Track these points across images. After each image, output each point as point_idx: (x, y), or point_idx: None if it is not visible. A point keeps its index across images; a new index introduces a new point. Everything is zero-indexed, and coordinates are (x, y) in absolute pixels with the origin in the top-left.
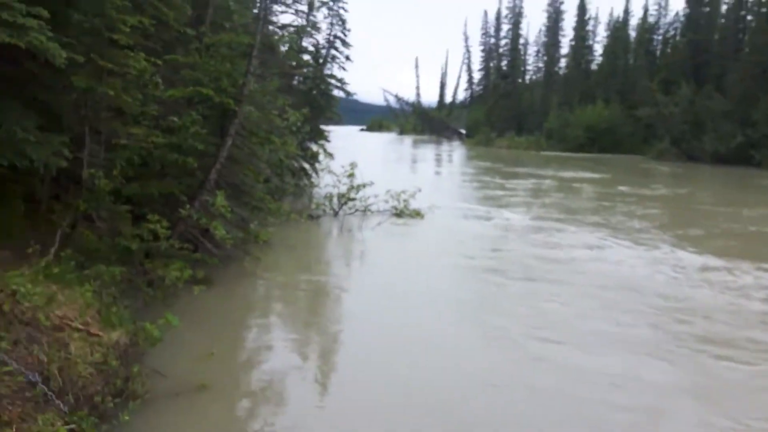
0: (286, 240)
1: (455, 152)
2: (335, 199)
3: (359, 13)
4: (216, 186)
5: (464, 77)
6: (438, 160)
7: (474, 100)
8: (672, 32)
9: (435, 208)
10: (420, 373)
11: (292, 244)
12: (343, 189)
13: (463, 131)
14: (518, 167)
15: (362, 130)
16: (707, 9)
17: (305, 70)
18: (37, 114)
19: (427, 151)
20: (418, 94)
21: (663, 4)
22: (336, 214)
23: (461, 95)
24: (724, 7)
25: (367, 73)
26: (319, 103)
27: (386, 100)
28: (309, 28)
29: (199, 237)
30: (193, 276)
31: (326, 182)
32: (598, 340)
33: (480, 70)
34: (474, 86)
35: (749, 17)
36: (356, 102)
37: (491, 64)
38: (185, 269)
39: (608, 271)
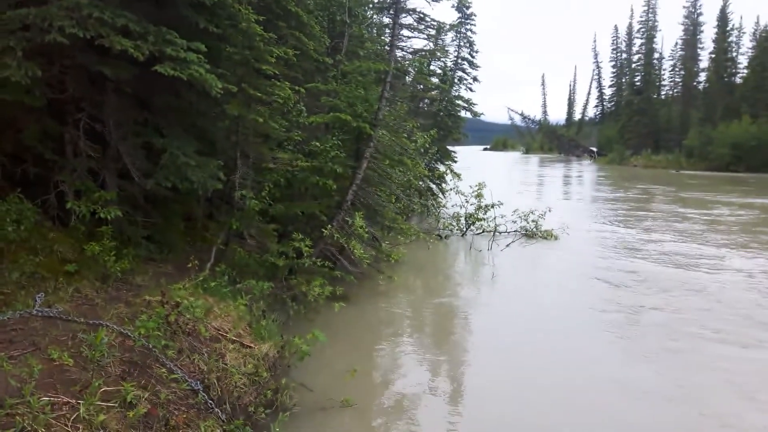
0: (415, 259)
1: (586, 171)
2: (463, 219)
3: (484, 30)
4: (352, 206)
5: (594, 94)
6: (567, 180)
7: (605, 117)
8: None
9: (568, 230)
10: (550, 399)
11: (421, 264)
12: (471, 209)
13: (594, 149)
14: (657, 186)
15: (485, 149)
16: None
17: (433, 93)
18: (196, 140)
19: (556, 171)
20: (544, 112)
21: None
22: (464, 234)
23: (591, 112)
24: None
25: (491, 91)
26: (446, 124)
27: (511, 118)
28: (437, 52)
29: (337, 255)
30: (332, 293)
31: (453, 202)
32: None
33: (611, 86)
34: (605, 103)
35: None
36: (479, 121)
37: (623, 80)
38: (326, 286)
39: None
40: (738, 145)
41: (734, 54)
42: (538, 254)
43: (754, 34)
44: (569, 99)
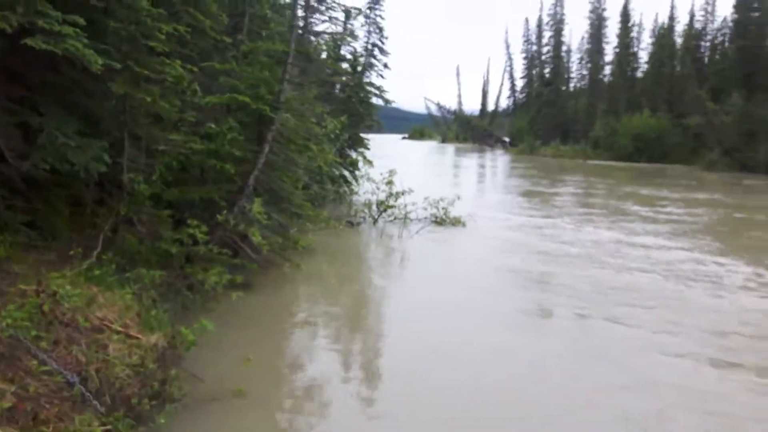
0: (325, 247)
1: (498, 161)
2: (374, 207)
3: (401, 23)
4: (254, 192)
5: (506, 85)
6: (480, 169)
7: (517, 108)
8: (720, 38)
9: (476, 216)
10: (462, 384)
11: (331, 251)
12: (382, 196)
13: (507, 139)
14: (565, 176)
15: (404, 138)
16: (757, 14)
17: (343, 78)
18: (78, 120)
19: (469, 160)
20: (459, 102)
21: (710, 9)
22: (375, 221)
23: (504, 103)
24: None
25: (410, 82)
26: (357, 110)
27: (428, 108)
28: (347, 37)
29: (239, 242)
30: (232, 281)
31: (365, 190)
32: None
33: (522, 77)
34: (517, 94)
35: None
36: (398, 110)
37: (534, 72)
38: (224, 274)
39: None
40: (639, 137)
41: (636, 49)
42: (445, 240)
43: (653, 30)
44: (483, 90)
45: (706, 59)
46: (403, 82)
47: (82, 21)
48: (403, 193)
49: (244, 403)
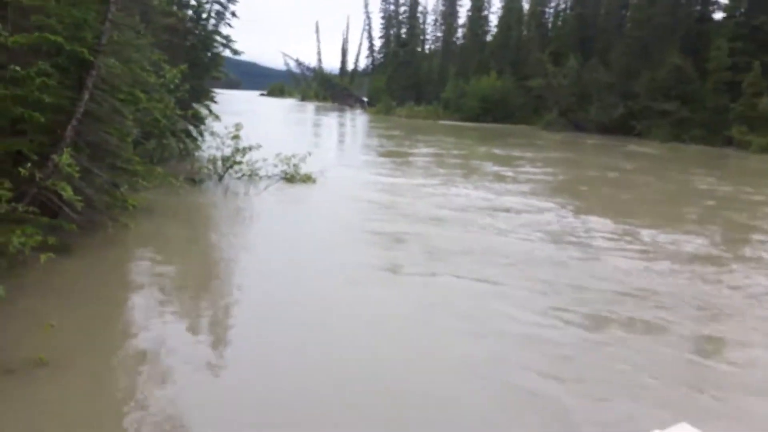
0: (163, 206)
1: (357, 120)
2: (219, 163)
3: None
4: (74, 145)
5: (365, 44)
6: (338, 128)
7: (376, 68)
8: (563, 6)
9: (326, 173)
10: (308, 344)
11: (169, 211)
12: (228, 152)
13: (366, 99)
14: (419, 135)
15: (262, 95)
16: None
17: (174, 21)
18: None
19: (328, 119)
20: (319, 60)
21: None
22: (221, 178)
23: (363, 63)
24: None
25: (270, 38)
26: (202, 60)
27: (287, 64)
28: None
29: (57, 201)
30: (44, 243)
31: (211, 145)
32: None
33: (381, 37)
34: (375, 54)
35: None
36: (257, 66)
37: (391, 32)
38: (35, 236)
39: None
40: (486, 98)
41: (486, 13)
42: (295, 197)
43: None
44: (343, 48)
45: (550, 25)
46: (264, 38)
47: None
48: (250, 149)
49: (45, 373)
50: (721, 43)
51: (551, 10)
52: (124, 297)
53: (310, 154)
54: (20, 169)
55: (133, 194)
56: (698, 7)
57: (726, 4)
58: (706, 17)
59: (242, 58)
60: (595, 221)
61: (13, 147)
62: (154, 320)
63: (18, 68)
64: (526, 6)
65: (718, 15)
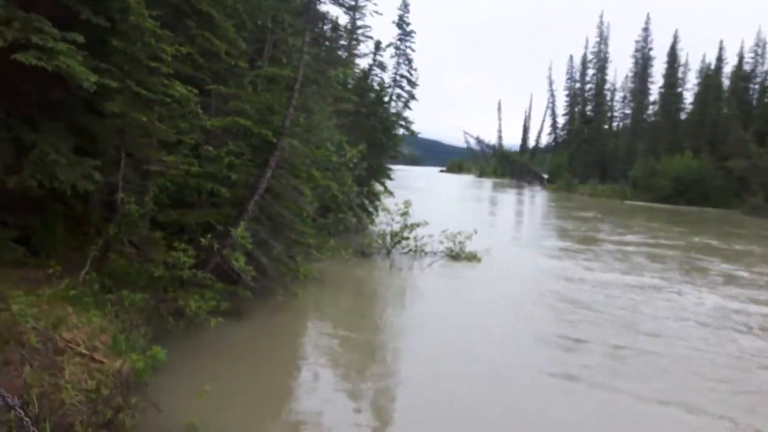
0: (333, 277)
1: (535, 197)
2: (388, 238)
3: (447, 58)
4: (255, 219)
5: (548, 121)
6: (514, 205)
7: (558, 145)
8: None
9: (492, 252)
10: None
11: (337, 281)
12: (397, 227)
13: (545, 176)
14: (606, 216)
15: (441, 171)
16: None
17: (350, 105)
18: (75, 137)
19: (504, 195)
20: (500, 137)
21: (760, 51)
22: (389, 253)
23: (545, 140)
24: None
25: (453, 116)
26: (380, 140)
27: (467, 141)
28: (376, 67)
29: (236, 269)
30: (216, 307)
31: (383, 221)
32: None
33: (564, 114)
34: (558, 131)
35: None
36: (438, 144)
37: (576, 109)
38: (210, 300)
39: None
40: (679, 179)
41: (681, 90)
42: (457, 274)
43: (699, 71)
44: (524, 125)
45: (754, 101)
46: (447, 117)
47: (81, 39)
48: (417, 225)
49: None
50: None
51: (756, 86)
52: (285, 364)
53: (476, 232)
54: (201, 239)
55: (305, 264)
56: None
57: None
58: None
59: (425, 135)
60: None
61: (202, 218)
62: (292, 388)
63: (211, 148)
64: (725, 82)
65: None
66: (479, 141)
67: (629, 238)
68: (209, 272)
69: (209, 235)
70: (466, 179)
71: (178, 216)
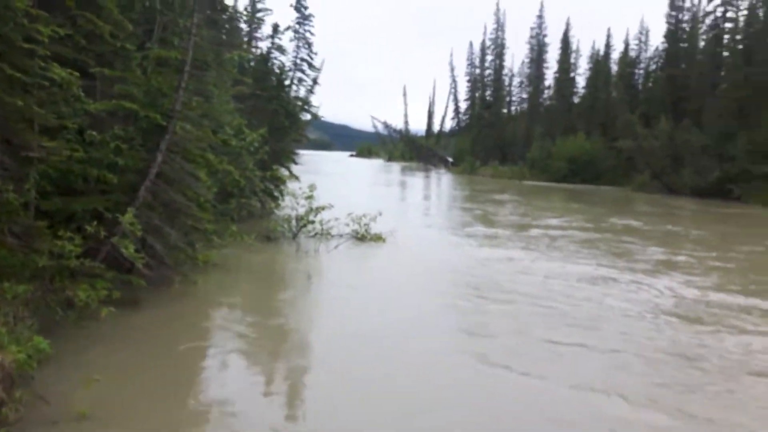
0: (236, 263)
1: (441, 179)
2: (293, 222)
3: (355, 45)
4: (148, 204)
5: (451, 107)
6: (421, 188)
7: (461, 129)
8: (653, 66)
9: (397, 233)
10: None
11: (243, 267)
12: (302, 211)
13: (450, 159)
14: (504, 195)
15: (351, 155)
16: (685, 45)
17: (241, 87)
18: None
19: (412, 179)
20: (406, 122)
21: (643, 39)
22: (294, 236)
23: (449, 124)
24: (701, 44)
25: (362, 102)
26: (283, 124)
27: (375, 126)
28: (274, 50)
29: (128, 257)
30: (109, 297)
31: (289, 205)
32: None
33: (466, 99)
34: (461, 116)
35: (725, 53)
36: (348, 128)
37: (476, 95)
38: (101, 290)
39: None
40: (573, 159)
41: (573, 75)
42: (363, 255)
43: (590, 57)
44: (429, 111)
45: (640, 86)
46: (356, 102)
47: None
48: (323, 208)
49: (86, 427)
50: None
51: (641, 71)
52: (187, 352)
53: (381, 214)
54: (87, 227)
55: (206, 251)
56: None
57: None
58: None
59: (334, 120)
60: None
61: (89, 205)
62: (216, 377)
63: (94, 133)
64: (614, 68)
65: None
66: (387, 126)
67: (510, 209)
68: (101, 261)
69: (95, 223)
70: (376, 163)
71: (64, 204)
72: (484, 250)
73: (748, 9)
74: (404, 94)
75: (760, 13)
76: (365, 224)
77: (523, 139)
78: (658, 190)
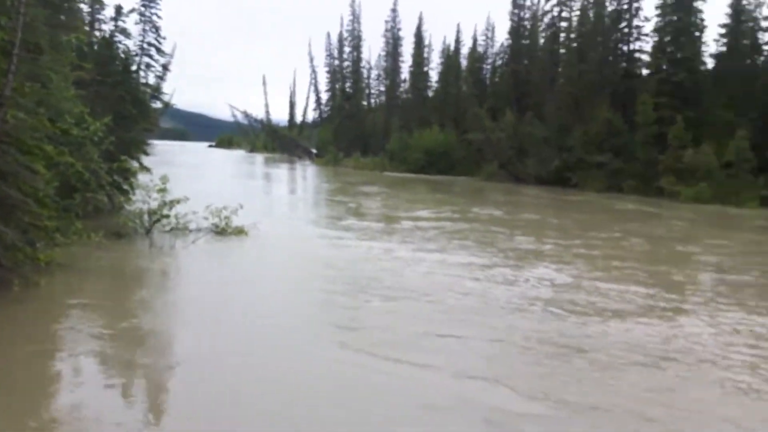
0: (85, 262)
1: (306, 171)
2: (146, 216)
3: (211, 32)
4: None
5: (312, 97)
6: (286, 180)
7: (323, 120)
8: (499, 62)
9: (260, 225)
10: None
11: (91, 266)
12: (155, 205)
13: (314, 150)
14: (365, 188)
15: (210, 146)
16: (527, 42)
17: (106, 79)
18: None
19: (277, 170)
20: (267, 112)
21: (490, 35)
22: (148, 232)
23: (311, 115)
24: (542, 41)
25: (219, 90)
26: (130, 111)
27: (234, 116)
28: (118, 33)
29: None
30: None
31: (140, 199)
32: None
33: (327, 90)
34: (322, 107)
35: (562, 50)
36: (205, 117)
37: (336, 86)
38: None
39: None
40: (429, 151)
41: (427, 69)
42: (221, 252)
43: (441, 52)
44: (290, 101)
45: (487, 80)
46: (213, 90)
47: None
48: (178, 202)
49: None
50: (645, 99)
51: (488, 66)
52: (30, 358)
53: (241, 206)
54: None
55: (48, 250)
56: (623, 65)
57: (648, 62)
58: (631, 74)
59: (190, 109)
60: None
61: None
62: (67, 383)
63: None
64: (464, 63)
65: (644, 71)
66: (247, 115)
67: (378, 201)
68: None
69: None
70: (237, 154)
71: None
72: (357, 243)
73: (581, 10)
74: (264, 83)
75: (591, 14)
76: (225, 217)
77: (382, 132)
78: (506, 179)
